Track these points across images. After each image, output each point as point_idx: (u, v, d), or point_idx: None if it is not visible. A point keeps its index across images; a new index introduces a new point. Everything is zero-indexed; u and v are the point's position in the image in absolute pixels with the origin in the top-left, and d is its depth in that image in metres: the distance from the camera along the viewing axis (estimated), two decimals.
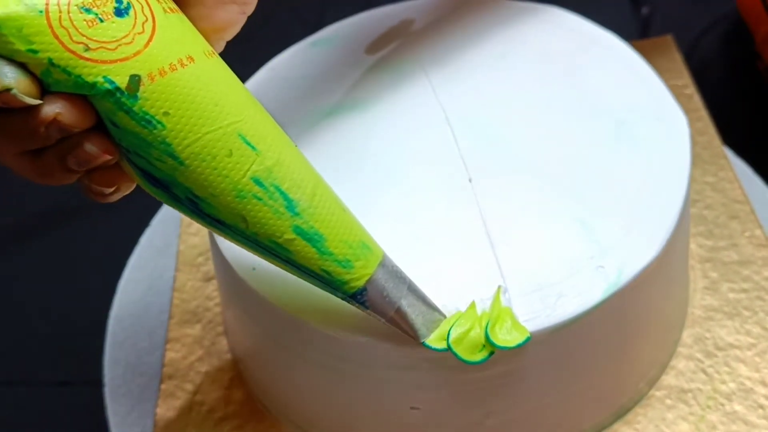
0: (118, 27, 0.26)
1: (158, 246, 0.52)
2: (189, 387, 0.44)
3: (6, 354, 0.54)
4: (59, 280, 0.54)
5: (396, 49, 0.45)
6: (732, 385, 0.41)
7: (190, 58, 0.28)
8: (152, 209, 0.54)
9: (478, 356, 0.33)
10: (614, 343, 0.37)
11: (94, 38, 0.26)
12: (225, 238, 0.30)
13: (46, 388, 0.50)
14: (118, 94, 0.26)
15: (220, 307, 0.47)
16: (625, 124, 0.40)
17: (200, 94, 0.27)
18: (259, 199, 0.29)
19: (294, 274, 0.31)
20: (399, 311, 0.32)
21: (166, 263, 0.51)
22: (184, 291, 0.48)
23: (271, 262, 0.31)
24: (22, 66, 0.25)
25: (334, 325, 0.34)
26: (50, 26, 0.25)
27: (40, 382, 0.50)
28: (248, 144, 0.28)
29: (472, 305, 0.34)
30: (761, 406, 0.40)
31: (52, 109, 0.26)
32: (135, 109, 0.26)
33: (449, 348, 0.32)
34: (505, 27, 0.45)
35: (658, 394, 0.41)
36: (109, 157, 0.27)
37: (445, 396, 0.35)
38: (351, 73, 0.44)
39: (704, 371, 0.41)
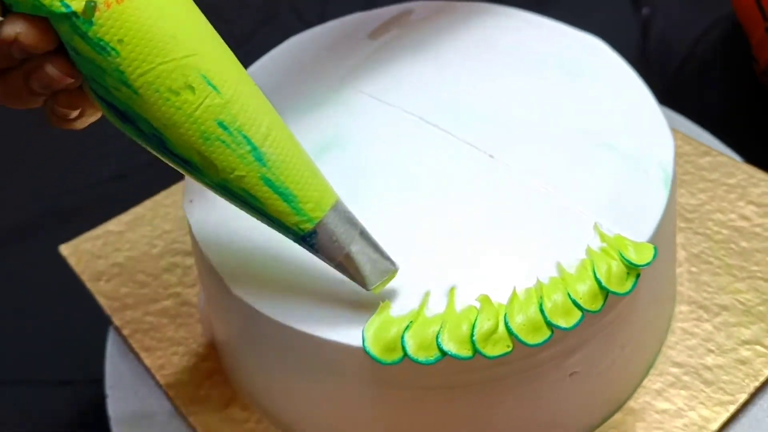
0: None
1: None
2: None
3: (6, 354, 0.53)
4: (59, 280, 0.51)
5: (331, 81, 0.43)
6: (725, 231, 0.47)
7: None
8: None
9: (628, 284, 0.34)
10: (672, 234, 0.40)
11: None
12: (201, 183, 0.31)
13: (47, 388, 0.50)
14: (74, 19, 0.27)
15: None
16: (567, 63, 0.43)
17: (156, 24, 0.28)
18: (221, 140, 0.29)
19: (246, 212, 0.32)
20: (348, 256, 0.32)
21: None
22: None
23: (235, 204, 0.32)
24: None
25: None
26: None
27: (40, 381, 0.50)
28: (204, 78, 0.29)
29: (589, 249, 0.35)
30: (757, 234, 0.46)
31: (14, 29, 0.26)
32: (90, 34, 0.27)
33: (604, 289, 0.33)
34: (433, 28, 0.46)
35: (681, 269, 0.45)
36: (71, 80, 0.28)
37: (595, 347, 0.36)
38: (302, 119, 0.42)
39: (697, 233, 0.47)
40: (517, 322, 0.32)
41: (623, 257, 0.34)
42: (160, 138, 0.29)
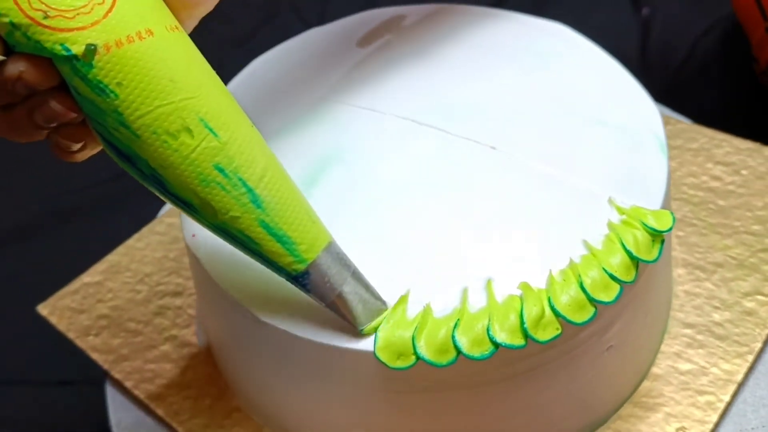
0: None
1: None
2: None
3: (6, 354, 0.54)
4: (59, 280, 0.50)
5: (310, 96, 0.43)
6: (701, 193, 0.49)
7: (149, 32, 0.28)
8: (152, 209, 0.53)
9: (655, 251, 0.35)
10: (670, 198, 0.42)
11: (53, 6, 0.27)
12: (201, 224, 0.31)
13: (46, 388, 0.50)
14: (74, 61, 0.27)
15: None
16: (541, 50, 0.44)
17: (155, 68, 0.28)
18: (218, 182, 0.30)
19: (242, 252, 0.32)
20: (340, 297, 0.32)
21: None
22: None
23: (232, 245, 0.32)
24: None
25: None
26: None
27: (40, 381, 0.50)
28: (201, 121, 0.29)
29: (611, 223, 0.35)
30: (731, 191, 0.48)
31: (17, 67, 0.27)
32: (89, 76, 0.27)
33: (635, 258, 0.34)
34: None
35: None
36: (73, 115, 0.28)
37: (627, 318, 0.37)
38: (294, 138, 0.41)
39: (675, 199, 0.49)
40: (563, 302, 0.33)
41: (646, 226, 0.35)
42: (159, 179, 0.30)
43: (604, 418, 0.39)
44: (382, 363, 0.32)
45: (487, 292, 0.34)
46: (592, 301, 0.33)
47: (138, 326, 0.47)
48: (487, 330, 0.32)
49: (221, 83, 0.31)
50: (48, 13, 0.27)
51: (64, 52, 0.27)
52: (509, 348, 0.32)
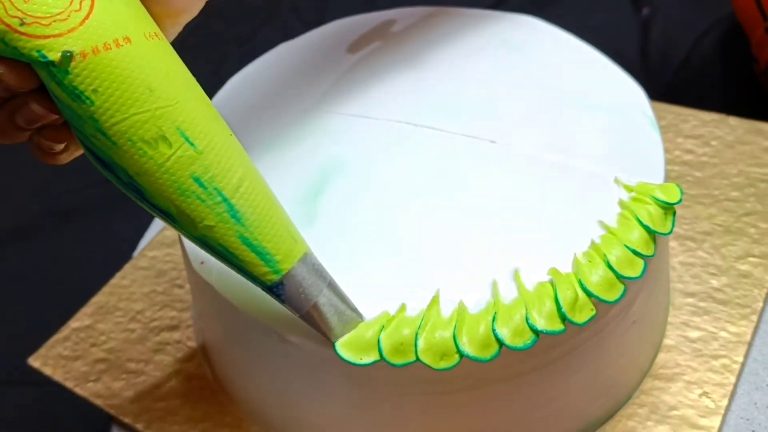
0: (53, 3, 0.27)
1: None
2: None
3: (6, 354, 0.53)
4: (59, 280, 0.52)
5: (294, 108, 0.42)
6: (677, 168, 0.50)
7: (127, 39, 0.28)
8: None
9: (668, 224, 0.36)
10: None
11: (29, 13, 0.27)
12: (183, 235, 0.31)
13: (46, 388, 0.48)
14: (51, 68, 0.27)
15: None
16: (519, 44, 0.45)
17: (132, 75, 0.28)
18: (193, 192, 0.30)
19: (221, 261, 0.32)
20: (315, 308, 0.32)
21: None
22: None
23: (212, 256, 0.32)
24: None
25: None
26: None
27: (40, 382, 0.48)
28: (178, 130, 0.29)
29: (621, 202, 0.36)
30: (705, 162, 0.50)
31: None
32: (65, 82, 0.28)
33: (652, 232, 0.35)
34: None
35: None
36: (54, 117, 0.29)
37: (647, 292, 0.37)
38: (289, 153, 0.40)
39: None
40: (594, 283, 0.33)
41: (657, 200, 0.36)
42: (137, 187, 0.30)
43: (629, 394, 0.40)
44: (426, 365, 0.32)
45: (516, 282, 0.34)
46: (620, 278, 0.34)
47: (139, 366, 0.45)
48: (526, 319, 0.32)
49: (201, 92, 0.31)
50: (24, 20, 0.27)
51: (40, 59, 0.27)
52: (549, 334, 0.32)
